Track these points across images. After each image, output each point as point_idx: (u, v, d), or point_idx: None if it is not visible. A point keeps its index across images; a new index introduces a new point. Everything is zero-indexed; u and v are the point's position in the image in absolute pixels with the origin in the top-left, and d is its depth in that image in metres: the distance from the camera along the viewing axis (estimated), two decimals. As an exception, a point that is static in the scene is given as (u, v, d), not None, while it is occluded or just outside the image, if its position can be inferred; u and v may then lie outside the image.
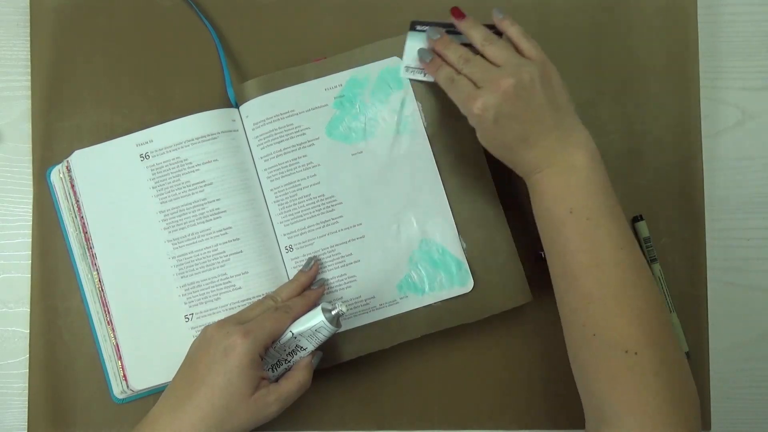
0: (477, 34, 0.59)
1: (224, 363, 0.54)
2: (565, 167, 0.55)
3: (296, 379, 0.57)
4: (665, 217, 0.68)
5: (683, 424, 0.51)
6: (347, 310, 0.58)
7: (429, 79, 0.63)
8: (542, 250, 0.66)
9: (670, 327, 0.54)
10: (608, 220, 0.54)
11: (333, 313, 0.57)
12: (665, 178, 0.68)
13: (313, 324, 0.57)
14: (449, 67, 0.60)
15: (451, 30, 0.61)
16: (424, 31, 0.63)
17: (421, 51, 0.62)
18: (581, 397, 0.56)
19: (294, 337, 0.57)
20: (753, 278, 0.69)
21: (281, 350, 0.58)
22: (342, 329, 0.63)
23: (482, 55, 0.58)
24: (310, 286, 0.63)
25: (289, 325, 0.58)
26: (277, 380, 0.58)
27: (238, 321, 0.57)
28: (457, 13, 0.61)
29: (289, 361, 0.59)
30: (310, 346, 0.58)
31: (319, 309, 0.57)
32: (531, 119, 0.55)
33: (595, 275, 0.54)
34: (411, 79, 0.64)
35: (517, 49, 0.58)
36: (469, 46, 0.60)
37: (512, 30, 0.59)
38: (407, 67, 0.64)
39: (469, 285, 0.64)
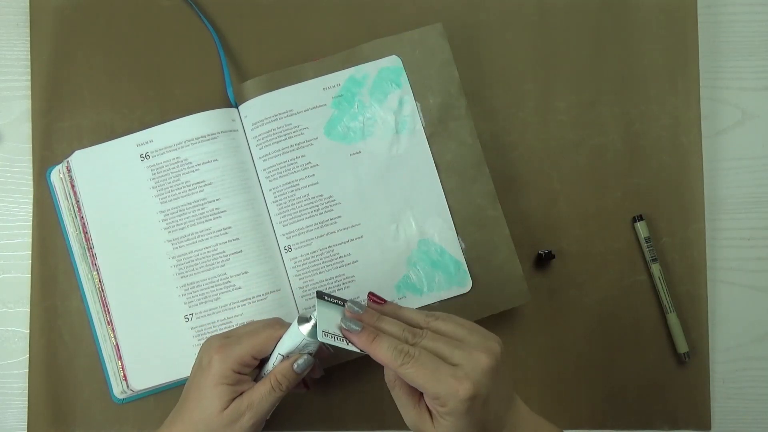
0: (414, 313, 0.53)
1: (201, 379, 0.53)
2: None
3: (268, 380, 0.53)
4: (665, 217, 0.68)
5: None
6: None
7: (353, 348, 0.51)
8: (541, 250, 0.66)
9: None
10: None
11: (311, 324, 0.52)
12: (665, 178, 0.68)
13: (296, 342, 0.53)
14: (393, 338, 0.50)
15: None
16: (334, 302, 0.54)
17: (345, 320, 0.51)
18: None
19: (285, 358, 0.54)
20: (753, 278, 0.69)
21: (272, 367, 0.55)
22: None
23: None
24: None
25: (275, 339, 0.54)
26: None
27: (226, 335, 0.55)
28: (375, 297, 0.55)
29: None
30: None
31: (295, 324, 0.53)
32: (503, 395, 0.51)
33: None
34: (331, 345, 0.52)
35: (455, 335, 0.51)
36: None
37: (439, 313, 0.53)
38: (325, 333, 0.51)
39: (468, 285, 0.64)
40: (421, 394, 0.51)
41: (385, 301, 0.55)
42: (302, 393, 0.61)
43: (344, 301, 0.54)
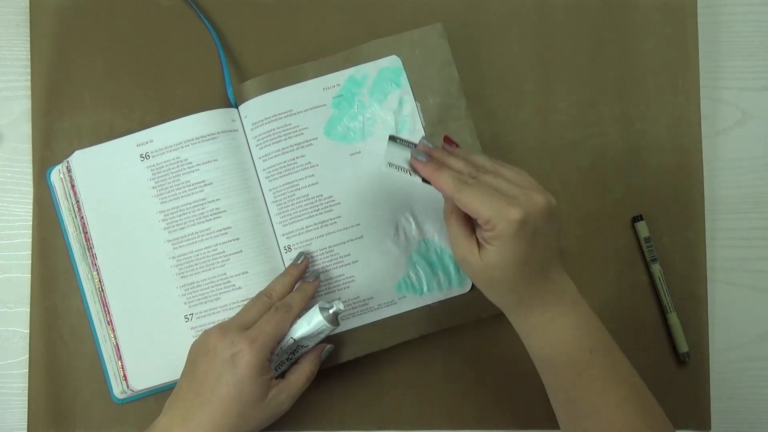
0: (481, 159, 0.54)
1: (234, 374, 0.54)
2: (570, 302, 0.53)
3: (304, 372, 0.58)
4: (665, 217, 0.68)
5: None
6: (345, 307, 0.58)
7: (415, 178, 0.54)
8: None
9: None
10: (618, 351, 0.54)
11: (331, 312, 0.57)
12: (665, 178, 0.68)
13: (312, 326, 0.57)
14: (455, 171, 0.52)
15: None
16: (405, 145, 0.56)
17: (415, 151, 0.54)
18: None
19: (296, 342, 0.58)
20: (753, 278, 0.69)
21: (283, 353, 0.58)
22: (341, 330, 0.63)
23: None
24: (304, 279, 0.63)
25: (291, 324, 0.58)
26: (282, 375, 0.58)
27: (239, 327, 0.57)
28: (450, 141, 0.57)
29: (291, 359, 0.59)
30: (311, 344, 0.59)
31: (316, 309, 0.57)
32: (550, 246, 0.52)
33: (624, 408, 0.52)
34: (391, 173, 0.55)
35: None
36: None
37: (507, 166, 0.54)
38: (390, 164, 0.55)
39: (468, 285, 0.64)
40: (474, 228, 0.53)
41: (458, 145, 0.57)
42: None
43: (415, 144, 0.56)
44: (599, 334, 0.54)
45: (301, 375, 0.58)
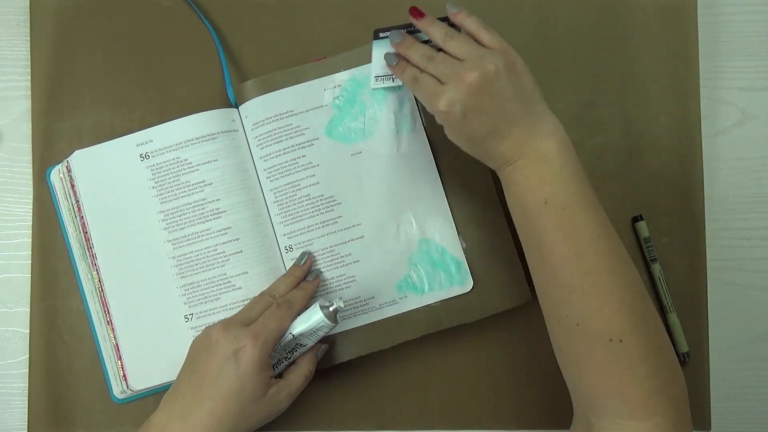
0: (437, 31, 0.57)
1: (236, 369, 0.54)
2: (537, 157, 0.54)
3: (302, 372, 0.59)
4: (665, 217, 0.68)
5: (673, 408, 0.51)
6: (345, 305, 0.59)
7: (398, 83, 0.62)
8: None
9: (654, 312, 0.53)
10: (583, 208, 0.53)
11: (331, 309, 0.58)
12: (665, 178, 0.68)
13: (312, 323, 0.58)
14: (414, 68, 0.58)
15: (414, 30, 0.60)
16: (387, 37, 0.61)
17: (387, 55, 0.60)
18: (569, 388, 0.56)
19: (294, 338, 0.58)
20: (753, 278, 0.69)
21: (282, 350, 0.59)
22: (341, 329, 0.63)
23: (445, 52, 0.56)
24: (306, 279, 0.63)
25: (290, 320, 0.58)
26: (280, 375, 0.58)
27: (242, 323, 0.57)
28: (416, 12, 0.59)
29: (289, 358, 0.59)
30: (310, 342, 0.59)
31: (317, 306, 0.58)
32: (498, 111, 0.54)
33: (575, 265, 0.52)
34: (382, 88, 0.64)
35: (478, 41, 0.56)
36: (432, 44, 0.59)
37: (469, 22, 0.57)
38: (377, 77, 0.62)
39: (469, 285, 0.64)
40: None
41: (423, 14, 0.59)
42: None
43: (397, 28, 0.61)
44: (564, 187, 0.53)
45: (299, 374, 0.59)
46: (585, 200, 0.53)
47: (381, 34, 0.62)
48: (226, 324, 0.57)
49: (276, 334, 0.57)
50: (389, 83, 0.62)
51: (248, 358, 0.54)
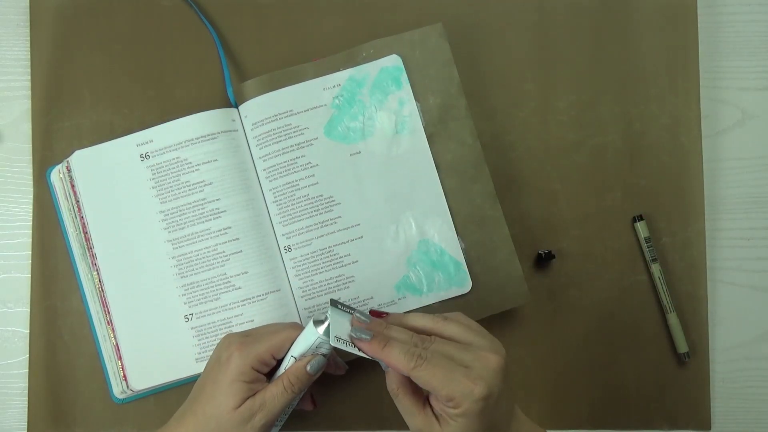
0: (421, 318, 0.53)
1: (217, 373, 0.54)
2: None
3: (281, 381, 0.54)
4: (665, 217, 0.68)
5: None
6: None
7: (363, 355, 0.52)
8: (541, 250, 0.66)
9: None
10: None
11: (326, 324, 0.53)
12: (665, 178, 0.68)
13: (310, 343, 0.54)
14: (403, 343, 0.51)
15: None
16: (346, 311, 0.54)
17: (355, 330, 0.52)
18: None
19: (297, 360, 0.55)
20: (753, 278, 0.69)
21: (284, 369, 0.56)
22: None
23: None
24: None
25: (293, 339, 0.55)
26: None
27: (246, 333, 0.56)
28: (378, 313, 0.55)
29: None
30: None
31: (311, 325, 0.54)
32: (510, 393, 0.52)
33: None
34: (343, 350, 0.52)
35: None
36: None
37: (449, 314, 0.54)
38: (338, 338, 0.52)
39: (468, 285, 0.64)
40: (426, 399, 0.51)
41: (387, 314, 0.55)
42: (308, 410, 0.61)
43: (354, 310, 0.55)
44: None
45: (277, 382, 0.54)
46: None
47: (339, 306, 0.55)
48: (234, 333, 0.56)
49: (265, 347, 0.54)
50: (353, 350, 0.52)
51: (228, 365, 0.53)
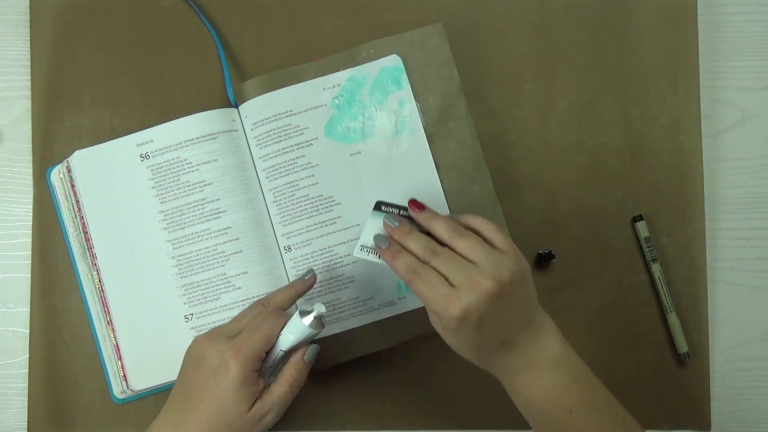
0: (441, 227, 0.54)
1: (217, 383, 0.53)
2: (549, 365, 0.53)
3: (285, 379, 0.55)
4: (665, 217, 0.68)
5: None
6: (326, 309, 0.55)
7: (381, 262, 0.56)
8: (541, 250, 0.66)
9: None
10: (607, 405, 0.54)
11: (313, 316, 0.54)
12: (665, 178, 0.68)
13: (298, 335, 0.55)
14: (410, 256, 0.53)
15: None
16: (388, 210, 0.58)
17: (377, 237, 0.55)
18: None
19: (285, 353, 0.55)
20: (753, 278, 0.69)
21: (276, 365, 0.56)
22: (341, 330, 0.63)
23: (450, 248, 0.53)
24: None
25: (279, 330, 0.55)
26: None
27: (229, 334, 0.55)
28: (415, 205, 0.56)
29: (280, 368, 0.57)
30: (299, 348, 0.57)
31: (297, 318, 0.54)
32: (510, 320, 0.52)
33: None
34: (364, 260, 0.57)
35: (488, 242, 0.53)
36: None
37: (478, 221, 0.54)
38: (362, 247, 0.56)
39: (468, 285, 0.64)
40: None
41: (424, 208, 0.56)
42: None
43: (399, 209, 0.57)
44: (583, 392, 0.53)
45: (282, 382, 0.55)
46: (606, 400, 0.54)
47: (383, 207, 0.58)
48: (212, 335, 0.55)
49: (260, 347, 0.54)
50: (373, 258, 0.56)
51: (229, 374, 0.53)
